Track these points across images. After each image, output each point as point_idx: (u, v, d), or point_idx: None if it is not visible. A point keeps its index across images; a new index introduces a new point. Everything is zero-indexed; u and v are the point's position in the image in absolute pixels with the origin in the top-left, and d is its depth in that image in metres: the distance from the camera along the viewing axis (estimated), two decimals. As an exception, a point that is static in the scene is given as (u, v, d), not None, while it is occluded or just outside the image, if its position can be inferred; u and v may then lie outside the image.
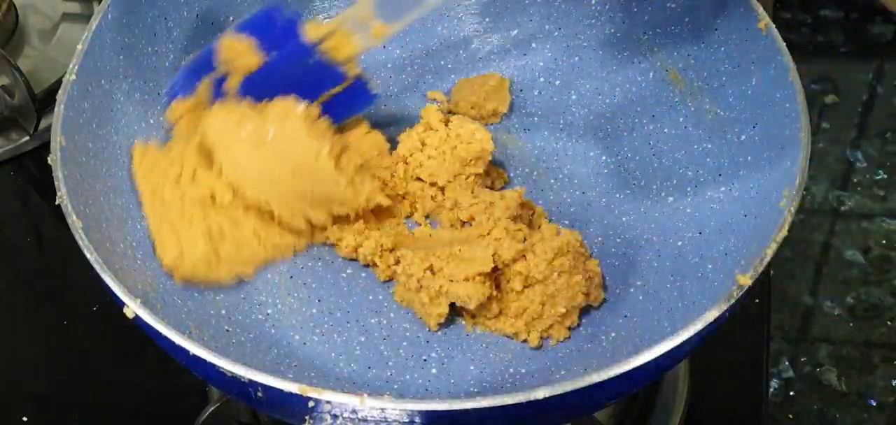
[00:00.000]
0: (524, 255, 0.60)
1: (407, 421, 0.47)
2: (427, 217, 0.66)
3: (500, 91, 0.72)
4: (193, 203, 0.60)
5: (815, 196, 0.83)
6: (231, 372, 0.48)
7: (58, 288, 0.74)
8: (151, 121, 0.65)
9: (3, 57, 0.78)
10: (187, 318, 0.58)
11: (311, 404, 0.47)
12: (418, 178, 0.66)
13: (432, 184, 0.66)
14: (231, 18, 0.70)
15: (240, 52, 0.62)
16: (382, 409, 0.46)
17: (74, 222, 0.53)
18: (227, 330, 0.60)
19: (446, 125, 0.66)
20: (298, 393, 0.47)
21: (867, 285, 0.77)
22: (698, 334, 0.49)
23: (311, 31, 0.62)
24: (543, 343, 0.61)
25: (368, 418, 0.47)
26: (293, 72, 0.62)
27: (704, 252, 0.61)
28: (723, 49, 0.65)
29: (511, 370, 0.61)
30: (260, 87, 0.61)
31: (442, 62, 0.74)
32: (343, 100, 0.63)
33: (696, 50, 0.67)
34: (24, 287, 0.75)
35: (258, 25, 0.62)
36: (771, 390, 0.71)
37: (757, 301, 0.72)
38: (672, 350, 0.49)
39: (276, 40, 0.62)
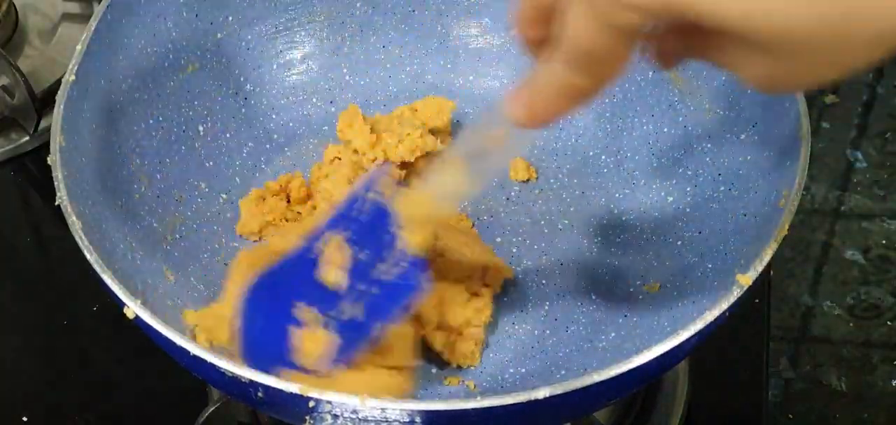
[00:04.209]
0: None
1: (407, 420, 0.47)
2: None
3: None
4: None
5: (815, 196, 0.83)
6: (231, 373, 0.48)
7: (58, 288, 0.74)
8: (151, 121, 0.66)
9: (3, 57, 0.78)
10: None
11: (311, 404, 0.47)
12: None
13: None
14: (230, 18, 0.70)
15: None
16: (383, 409, 0.47)
17: (74, 222, 0.53)
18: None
19: None
20: (299, 393, 0.46)
21: (867, 285, 0.77)
22: (698, 334, 0.49)
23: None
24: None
25: (369, 418, 0.47)
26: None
27: (704, 252, 0.61)
28: (723, 49, 0.65)
29: (511, 370, 0.61)
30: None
31: (441, 62, 0.74)
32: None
33: (696, 50, 0.67)
34: (24, 287, 0.75)
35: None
36: (771, 390, 0.71)
37: (757, 301, 0.72)
38: (672, 350, 0.49)
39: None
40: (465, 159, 0.51)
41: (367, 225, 0.54)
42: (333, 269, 0.54)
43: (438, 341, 0.60)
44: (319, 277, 0.54)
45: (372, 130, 0.67)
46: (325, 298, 0.54)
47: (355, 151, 0.66)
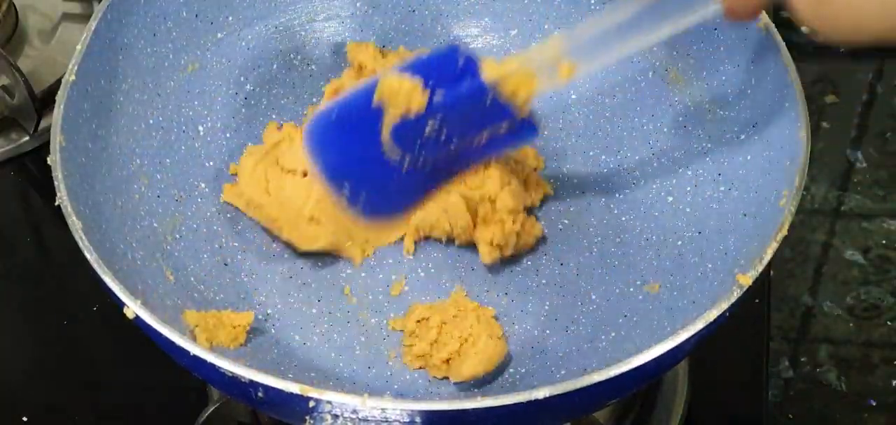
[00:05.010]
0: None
1: (408, 420, 0.47)
2: None
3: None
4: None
5: (815, 196, 0.83)
6: (231, 373, 0.48)
7: (58, 288, 0.74)
8: (151, 121, 0.66)
9: (3, 57, 0.78)
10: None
11: (311, 404, 0.47)
12: None
13: None
14: (230, 18, 0.70)
15: (401, 92, 0.55)
16: (383, 409, 0.47)
17: (74, 222, 0.53)
18: (228, 331, 0.60)
19: None
20: (299, 393, 0.47)
21: (867, 285, 0.77)
22: (698, 334, 0.49)
23: (490, 71, 0.56)
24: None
25: (369, 418, 0.47)
26: (461, 112, 0.56)
27: (704, 252, 0.61)
28: (722, 49, 0.65)
29: (511, 370, 0.61)
30: (416, 128, 0.56)
31: (442, 62, 0.74)
32: (507, 135, 0.59)
33: (696, 50, 0.67)
34: (24, 287, 0.75)
35: (429, 65, 0.56)
36: (771, 390, 0.71)
37: (757, 301, 0.72)
38: (672, 350, 0.49)
39: (446, 79, 0.55)
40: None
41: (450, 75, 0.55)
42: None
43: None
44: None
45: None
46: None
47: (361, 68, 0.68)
